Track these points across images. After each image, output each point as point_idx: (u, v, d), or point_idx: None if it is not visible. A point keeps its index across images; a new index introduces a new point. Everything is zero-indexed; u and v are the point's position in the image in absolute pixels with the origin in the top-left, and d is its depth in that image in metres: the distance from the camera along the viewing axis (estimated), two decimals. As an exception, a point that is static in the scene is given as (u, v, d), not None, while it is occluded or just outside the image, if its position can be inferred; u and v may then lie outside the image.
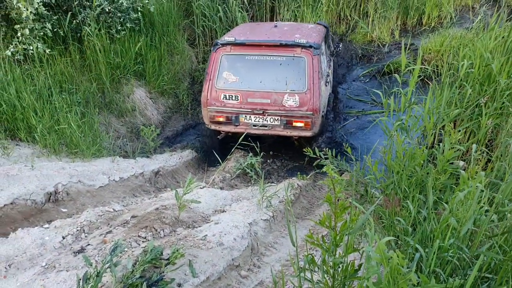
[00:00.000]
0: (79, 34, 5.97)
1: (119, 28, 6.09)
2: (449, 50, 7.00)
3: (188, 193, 3.27)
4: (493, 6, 9.14)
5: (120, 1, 5.88)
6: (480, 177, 2.41)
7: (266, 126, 4.98)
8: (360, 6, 8.75)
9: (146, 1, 6.13)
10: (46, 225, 3.00)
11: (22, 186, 3.46)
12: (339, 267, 1.90)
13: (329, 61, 6.16)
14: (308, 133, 4.96)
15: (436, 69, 6.98)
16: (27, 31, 4.90)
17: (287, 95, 4.81)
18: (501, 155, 3.86)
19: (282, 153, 5.68)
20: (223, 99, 4.96)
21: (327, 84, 5.37)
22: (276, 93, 4.84)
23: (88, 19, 5.82)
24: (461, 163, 3.79)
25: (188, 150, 5.59)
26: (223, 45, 4.95)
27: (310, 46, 4.78)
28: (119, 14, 6.10)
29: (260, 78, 4.90)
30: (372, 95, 6.97)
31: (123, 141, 5.55)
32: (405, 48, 7.96)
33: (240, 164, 4.95)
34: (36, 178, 3.58)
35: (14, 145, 4.36)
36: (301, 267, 1.97)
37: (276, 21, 8.45)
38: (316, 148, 4.40)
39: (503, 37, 5.36)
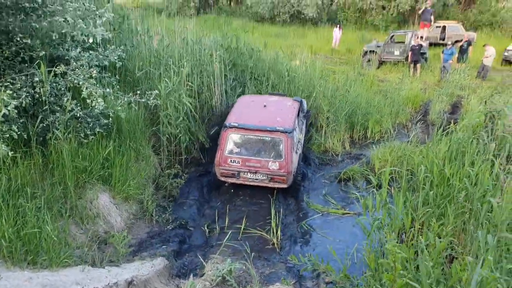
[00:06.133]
0: (41, 138, 5.82)
1: (88, 132, 6.04)
2: (397, 159, 7.75)
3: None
4: (422, 124, 10.51)
5: (93, 107, 5.92)
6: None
7: (257, 180, 7.03)
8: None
9: (119, 108, 6.25)
10: None
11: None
12: None
13: (302, 124, 8.38)
14: (284, 185, 7.05)
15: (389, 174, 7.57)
16: (-7, 133, 4.71)
17: (271, 162, 6.90)
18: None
19: (260, 257, 5.53)
20: (229, 162, 7.01)
21: (297, 151, 7.36)
22: (264, 160, 6.91)
23: (57, 123, 5.75)
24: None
25: (159, 258, 5.24)
26: (230, 127, 7.00)
27: (286, 132, 6.84)
28: (89, 120, 6.12)
29: (254, 150, 7.00)
30: (330, 198, 7.30)
31: (84, 250, 5.11)
32: (356, 158, 8.74)
33: (219, 270, 4.71)
34: (5, 289, 3.13)
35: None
36: None
37: None
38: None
39: (447, 149, 6.13)
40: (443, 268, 3.96)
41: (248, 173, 7.00)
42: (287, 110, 7.65)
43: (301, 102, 8.45)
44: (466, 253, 4.09)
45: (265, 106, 7.69)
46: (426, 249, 3.92)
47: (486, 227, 4.04)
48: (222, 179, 7.17)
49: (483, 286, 2.39)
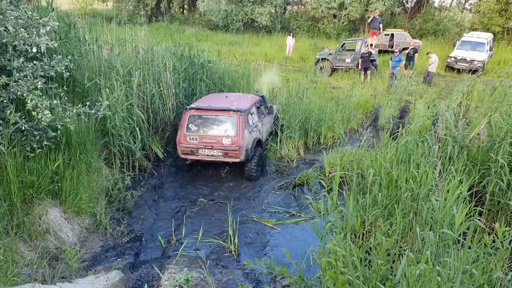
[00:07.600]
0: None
1: (35, 146, 5.79)
2: (348, 163, 8.01)
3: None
4: (372, 129, 10.94)
5: (39, 119, 5.66)
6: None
7: (214, 156, 7.80)
8: (270, 127, 9.76)
9: (67, 119, 6.04)
10: None
11: None
12: None
13: (263, 117, 9.04)
14: (237, 160, 7.80)
15: (340, 178, 7.79)
16: None
17: (224, 138, 7.66)
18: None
19: (217, 264, 5.52)
20: (188, 139, 7.78)
21: (252, 132, 8.07)
22: (219, 136, 7.68)
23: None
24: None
25: (114, 271, 5.11)
26: (190, 109, 7.88)
27: (238, 110, 7.71)
28: (35, 133, 5.87)
29: (210, 128, 7.81)
30: (285, 204, 7.41)
31: (33, 267, 4.89)
32: (311, 163, 8.95)
33: (176, 280, 4.65)
34: None
35: None
36: None
37: None
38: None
39: (394, 153, 6.41)
40: (391, 267, 4.14)
41: (205, 149, 7.76)
42: (246, 99, 8.67)
43: (263, 97, 9.45)
44: (412, 250, 4.31)
45: (226, 97, 8.84)
46: (375, 248, 4.09)
47: (429, 224, 4.28)
48: (183, 156, 7.97)
49: (422, 278, 2.54)
